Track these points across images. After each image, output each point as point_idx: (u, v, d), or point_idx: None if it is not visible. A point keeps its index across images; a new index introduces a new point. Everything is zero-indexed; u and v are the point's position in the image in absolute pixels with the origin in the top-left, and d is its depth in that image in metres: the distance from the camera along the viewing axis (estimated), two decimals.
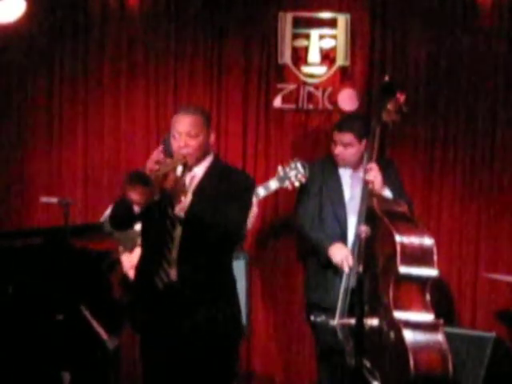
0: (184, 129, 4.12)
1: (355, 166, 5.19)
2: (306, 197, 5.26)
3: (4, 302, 4.93)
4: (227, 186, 4.15)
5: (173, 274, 4.11)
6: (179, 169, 4.05)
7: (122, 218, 4.14)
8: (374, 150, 4.94)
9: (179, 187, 4.02)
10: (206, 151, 4.20)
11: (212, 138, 4.25)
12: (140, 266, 4.31)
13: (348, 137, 5.10)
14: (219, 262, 4.18)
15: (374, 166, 4.92)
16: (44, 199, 5.40)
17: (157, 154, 4.01)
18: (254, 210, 5.02)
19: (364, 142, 5.12)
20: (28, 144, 6.01)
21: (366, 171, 4.91)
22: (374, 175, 4.90)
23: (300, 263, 5.88)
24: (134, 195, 3.88)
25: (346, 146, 5.12)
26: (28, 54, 5.96)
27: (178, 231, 4.11)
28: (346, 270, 4.92)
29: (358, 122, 5.21)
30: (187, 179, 4.14)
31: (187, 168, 4.12)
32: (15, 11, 5.49)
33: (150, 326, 4.21)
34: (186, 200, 4.03)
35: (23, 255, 5.09)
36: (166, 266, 4.12)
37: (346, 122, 5.26)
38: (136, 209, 3.99)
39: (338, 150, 5.14)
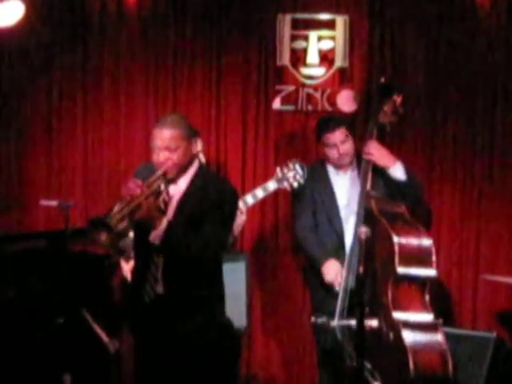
0: (162, 144, 4.10)
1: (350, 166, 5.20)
2: (300, 208, 5.26)
3: (5, 305, 4.94)
4: (208, 202, 4.12)
5: (159, 288, 4.14)
6: (161, 186, 4.06)
7: None
8: None
9: (153, 215, 4.00)
10: (188, 162, 4.18)
11: (197, 146, 4.24)
12: (132, 278, 4.34)
13: (341, 132, 5.09)
14: (205, 275, 4.19)
15: (371, 143, 4.97)
16: (44, 202, 5.39)
17: (132, 183, 4.00)
18: (242, 218, 5.03)
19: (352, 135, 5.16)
20: (27, 147, 6.00)
21: (365, 153, 4.96)
22: (376, 148, 4.95)
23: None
24: (101, 240, 3.86)
25: (344, 142, 5.10)
26: (26, 59, 5.95)
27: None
28: (337, 288, 4.94)
29: (339, 116, 5.37)
30: (170, 192, 4.14)
31: (169, 182, 4.13)
32: (14, 15, 5.49)
33: (140, 335, 4.24)
34: (162, 226, 4.01)
35: (24, 259, 5.09)
36: (153, 282, 4.15)
37: (330, 121, 5.22)
38: None
39: (343, 149, 5.09)
